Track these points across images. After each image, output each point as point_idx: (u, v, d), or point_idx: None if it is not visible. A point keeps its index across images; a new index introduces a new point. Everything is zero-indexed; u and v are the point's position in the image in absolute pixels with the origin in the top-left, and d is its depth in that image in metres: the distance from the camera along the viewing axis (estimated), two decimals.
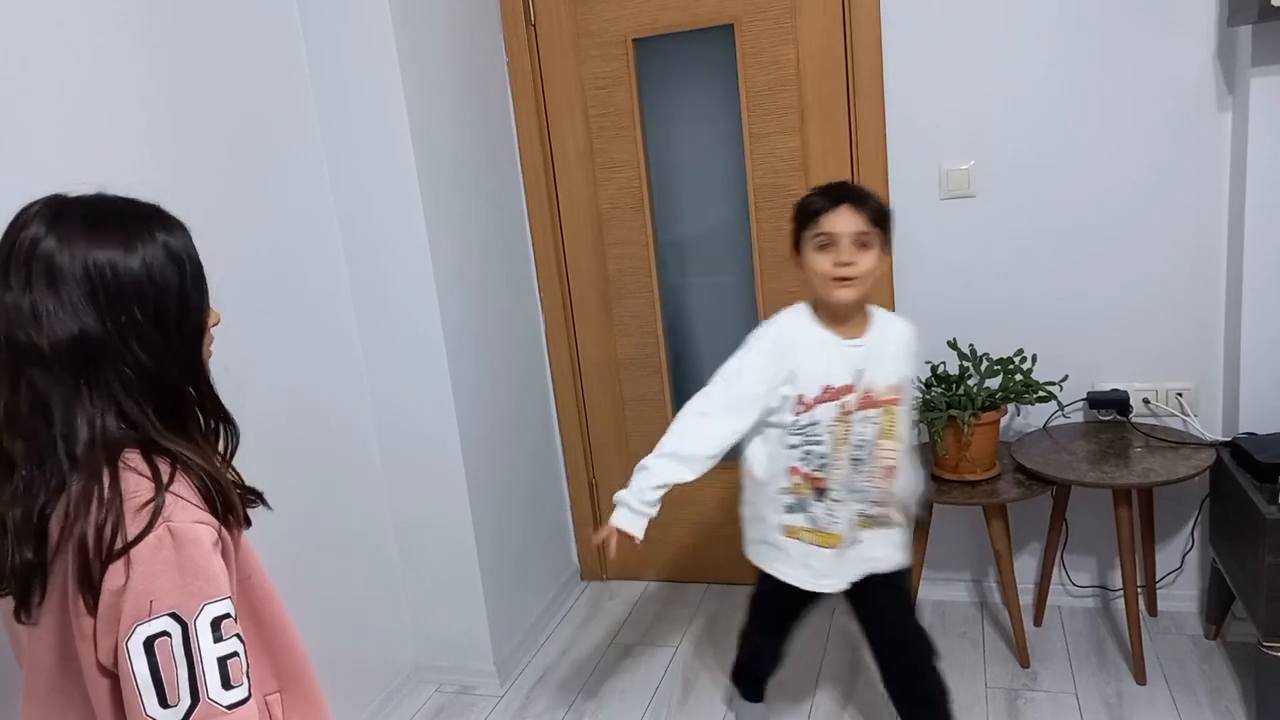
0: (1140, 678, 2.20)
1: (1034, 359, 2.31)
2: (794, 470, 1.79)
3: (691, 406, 1.83)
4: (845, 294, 1.71)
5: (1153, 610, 2.47)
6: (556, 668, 2.55)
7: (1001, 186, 2.38)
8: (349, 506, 2.29)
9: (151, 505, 0.92)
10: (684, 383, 2.85)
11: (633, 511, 1.80)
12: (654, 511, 1.82)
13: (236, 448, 1.11)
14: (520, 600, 2.64)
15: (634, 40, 2.60)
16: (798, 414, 1.76)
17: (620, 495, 1.82)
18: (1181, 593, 2.47)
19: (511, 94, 2.69)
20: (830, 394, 1.74)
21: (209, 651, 0.91)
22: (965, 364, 2.32)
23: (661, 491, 1.81)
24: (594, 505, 2.98)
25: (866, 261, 1.70)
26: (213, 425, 1.07)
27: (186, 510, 0.94)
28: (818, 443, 1.76)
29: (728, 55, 2.55)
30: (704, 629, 2.66)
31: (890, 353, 1.79)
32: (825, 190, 1.75)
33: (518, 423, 2.68)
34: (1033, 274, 2.39)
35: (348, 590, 2.28)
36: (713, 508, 2.87)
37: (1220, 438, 2.25)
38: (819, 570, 1.84)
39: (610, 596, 2.92)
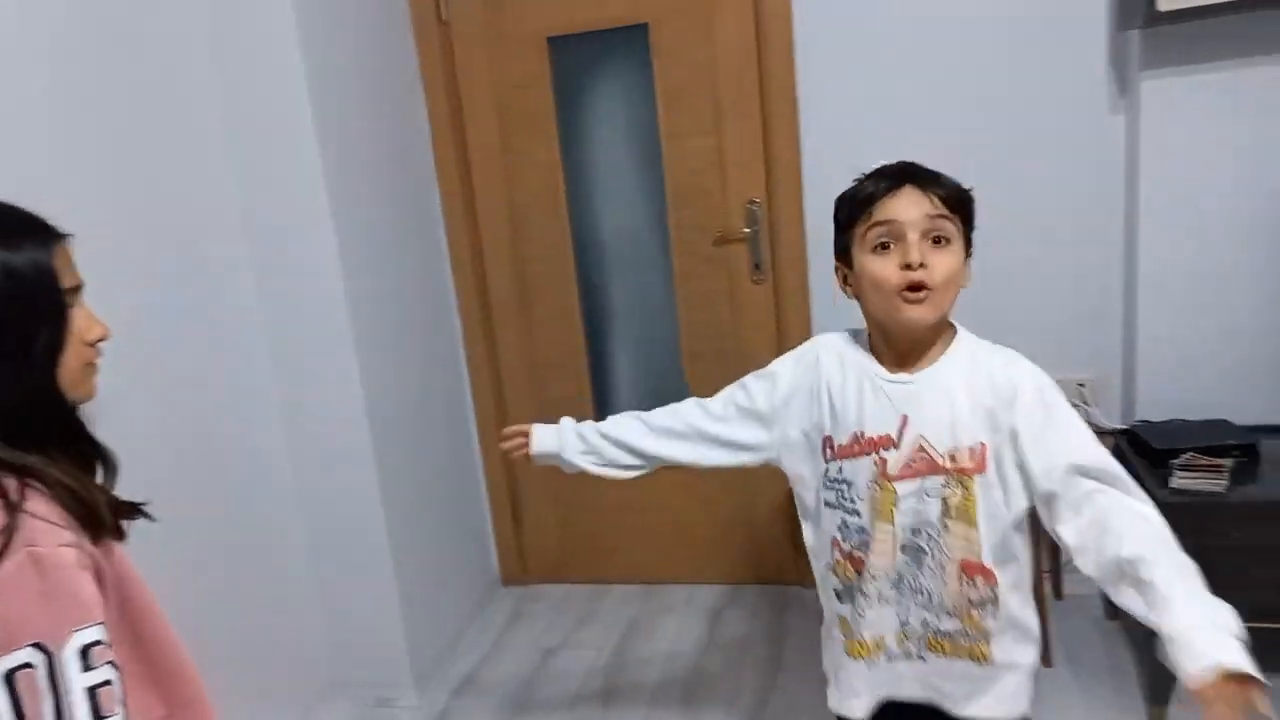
0: (1047, 660, 2.27)
1: None
2: (834, 543, 1.36)
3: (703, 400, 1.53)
4: (917, 313, 1.23)
5: (1058, 593, 2.56)
6: (477, 676, 2.50)
7: None
8: (256, 515, 2.21)
9: (2, 530, 0.86)
10: (605, 384, 2.84)
11: (559, 430, 1.57)
12: (574, 445, 1.56)
13: (113, 473, 1.05)
14: (439, 608, 2.59)
15: (549, 39, 2.59)
16: (828, 459, 1.34)
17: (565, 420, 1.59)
18: (1085, 576, 2.55)
19: (424, 92, 2.64)
20: (862, 445, 1.29)
21: (77, 681, 0.86)
22: None
23: (599, 437, 1.54)
24: (514, 510, 2.94)
25: (945, 263, 1.24)
26: (84, 449, 1.01)
27: (49, 533, 0.89)
28: (853, 510, 1.31)
29: (643, 55, 2.56)
30: (628, 631, 2.65)
31: (963, 399, 1.27)
32: (880, 170, 1.32)
33: (434, 427, 2.63)
34: None
35: (257, 603, 2.20)
36: (637, 508, 2.86)
37: (1119, 425, 2.34)
38: (844, 686, 1.43)
39: (533, 601, 2.89)
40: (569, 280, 2.74)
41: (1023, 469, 1.26)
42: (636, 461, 1.54)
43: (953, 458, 1.26)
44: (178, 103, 2.02)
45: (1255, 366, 2.25)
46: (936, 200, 1.26)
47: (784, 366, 1.42)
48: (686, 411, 1.51)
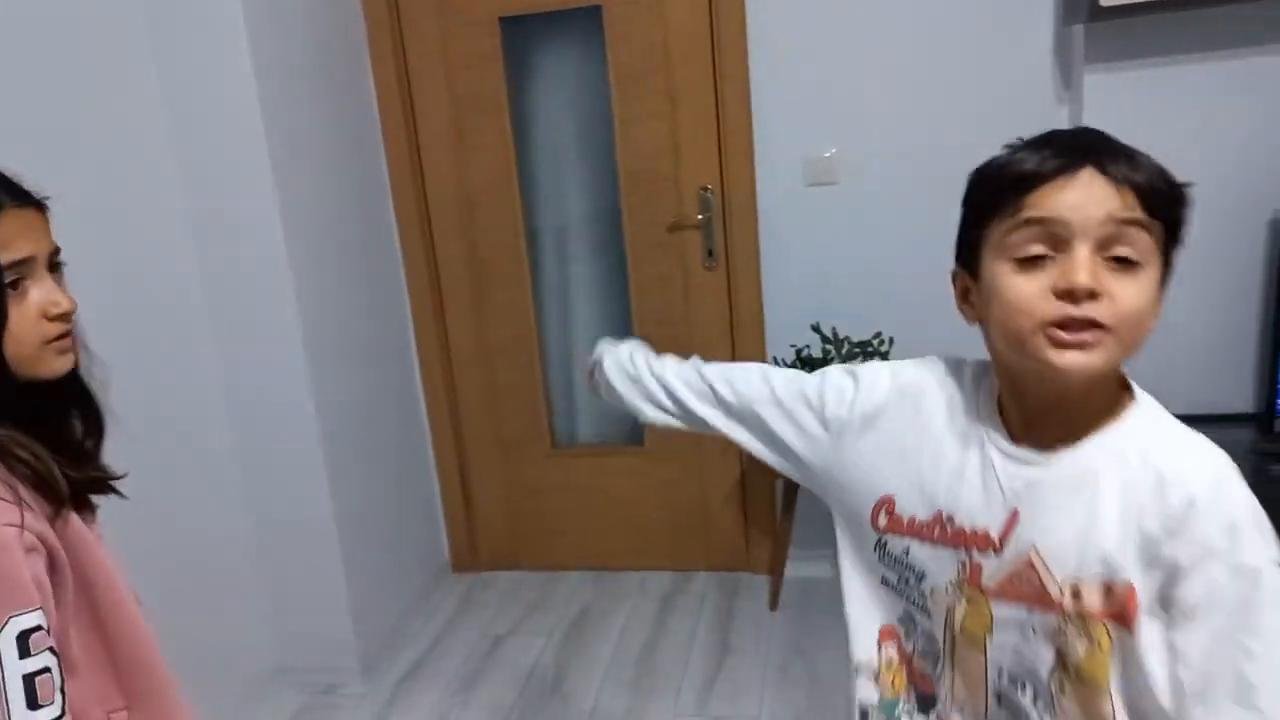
0: None
1: (891, 341, 2.40)
2: (887, 633, 1.00)
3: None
4: (1073, 362, 0.80)
5: None
6: (425, 662, 2.49)
7: (862, 175, 2.45)
8: (199, 500, 2.17)
9: None
10: (557, 370, 2.83)
11: (614, 358, 1.29)
12: (619, 360, 1.27)
13: (93, 444, 1.02)
14: (387, 595, 2.56)
15: (501, 19, 2.55)
16: (883, 527, 0.97)
17: (617, 348, 1.31)
18: None
19: (372, 72, 2.60)
20: (947, 533, 0.91)
21: (13, 668, 0.83)
22: (827, 346, 2.39)
23: (633, 364, 1.25)
24: (465, 496, 2.92)
25: (1129, 294, 0.81)
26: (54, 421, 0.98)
27: None
28: (922, 606, 0.95)
29: (596, 38, 2.54)
30: (579, 617, 2.65)
31: (1111, 508, 0.83)
32: (1048, 139, 0.88)
33: (383, 412, 2.60)
34: (891, 258, 2.48)
35: (200, 588, 2.16)
36: (589, 495, 2.86)
37: None
38: None
39: (483, 587, 2.87)
40: (521, 264, 2.72)
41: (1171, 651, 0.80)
42: (672, 408, 1.20)
43: (1075, 592, 0.83)
44: (122, 90, 1.96)
45: (1191, 358, 2.30)
46: (1130, 196, 0.80)
47: (877, 379, 1.02)
48: (745, 379, 1.13)
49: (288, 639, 2.40)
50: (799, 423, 1.06)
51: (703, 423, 1.17)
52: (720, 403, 1.15)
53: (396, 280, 2.72)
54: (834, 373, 1.07)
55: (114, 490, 1.04)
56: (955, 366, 0.99)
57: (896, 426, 0.98)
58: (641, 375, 1.24)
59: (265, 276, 2.16)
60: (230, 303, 2.19)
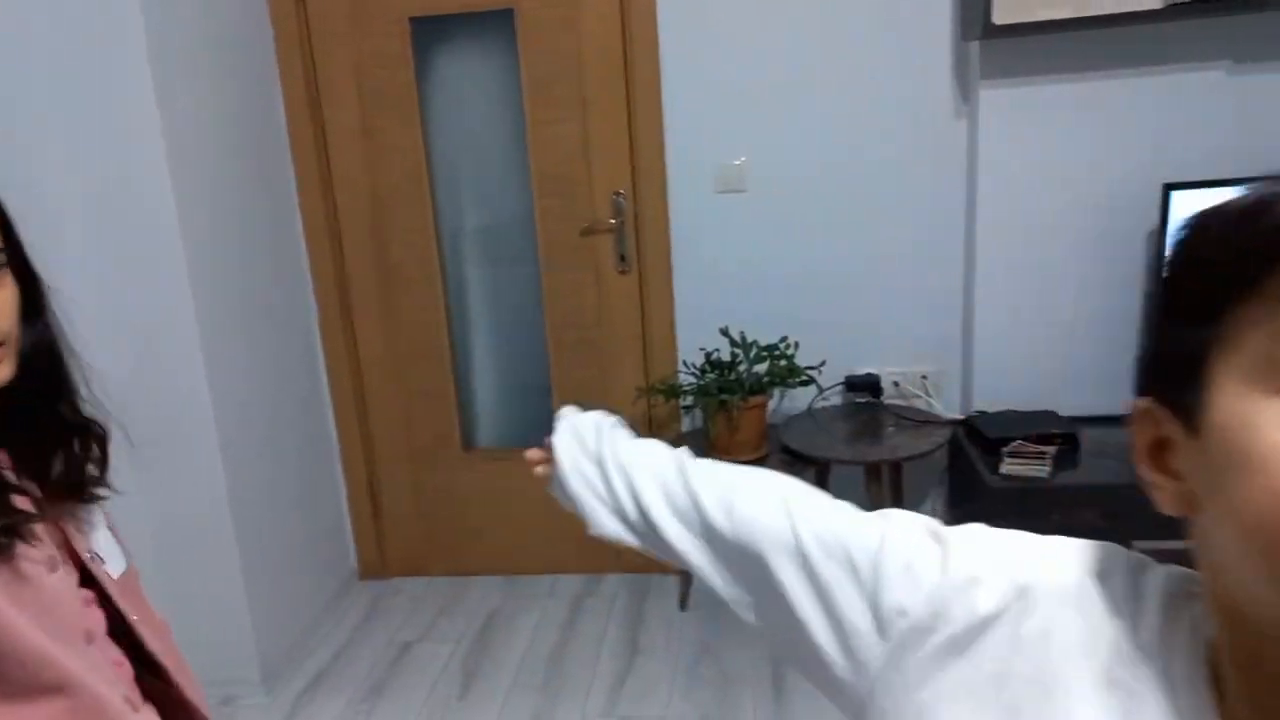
0: None
1: (796, 345, 2.45)
2: None
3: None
4: None
5: None
6: (329, 672, 2.44)
7: (769, 183, 2.50)
8: None
9: None
10: (470, 376, 2.81)
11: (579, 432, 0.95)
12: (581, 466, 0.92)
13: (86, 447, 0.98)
14: (290, 603, 2.50)
15: (411, 19, 2.53)
16: None
17: (579, 419, 0.99)
18: None
19: (279, 69, 2.54)
20: None
21: None
22: (736, 350, 2.43)
23: (595, 440, 0.92)
24: (373, 502, 2.87)
25: None
26: None
27: None
28: None
29: (508, 41, 2.53)
30: (488, 622, 2.63)
31: None
32: None
33: (287, 417, 2.54)
34: (797, 264, 2.53)
35: None
36: (499, 499, 2.84)
37: (957, 416, 2.48)
38: None
39: (392, 594, 2.82)
40: (432, 267, 2.69)
41: None
42: (637, 522, 0.85)
43: None
44: (10, 82, 1.88)
45: (1080, 362, 2.42)
46: None
47: (984, 567, 0.61)
48: (754, 503, 0.74)
49: (185, 650, 2.32)
50: (831, 600, 0.64)
51: (678, 557, 0.79)
52: (708, 534, 0.77)
53: (302, 281, 2.66)
54: (906, 525, 0.66)
55: (17, 535, 0.95)
56: (1129, 572, 0.56)
57: (1008, 665, 0.54)
58: (604, 461, 0.89)
59: (161, 278, 2.10)
60: (123, 304, 2.12)
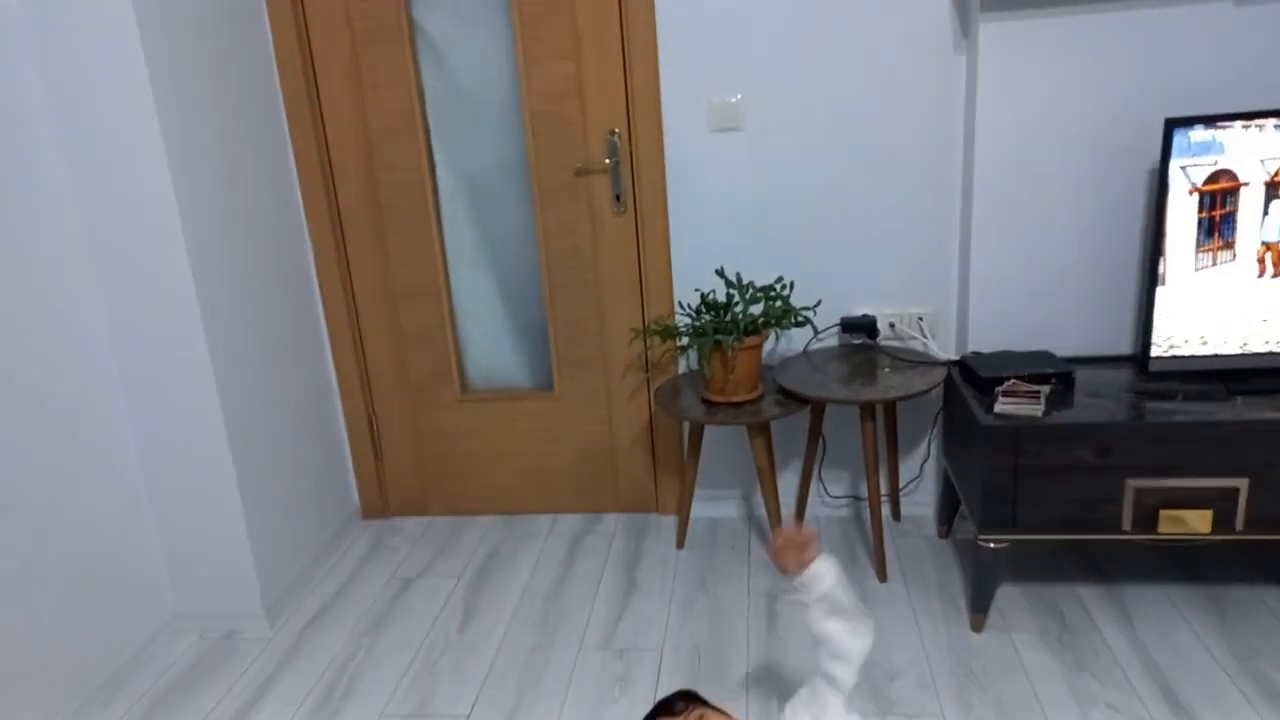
0: (881, 575, 2.42)
1: (792, 285, 2.44)
2: None
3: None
4: None
5: (896, 515, 2.72)
6: (332, 607, 2.48)
7: (766, 121, 2.47)
8: (84, 440, 2.11)
9: None
10: (465, 314, 2.81)
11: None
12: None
13: None
14: (292, 540, 2.54)
15: None
16: None
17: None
18: (921, 499, 2.73)
19: (267, 6, 2.50)
20: None
21: None
22: (731, 291, 2.42)
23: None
24: (374, 441, 2.90)
25: None
26: None
27: None
28: None
29: None
30: (488, 559, 2.67)
31: None
32: None
33: (285, 356, 2.55)
34: (793, 205, 2.51)
35: (89, 533, 2.11)
36: (498, 440, 2.86)
37: (952, 356, 2.48)
38: None
39: (392, 533, 2.87)
40: (427, 206, 2.68)
41: None
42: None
43: None
44: None
45: (1076, 303, 2.41)
46: None
47: None
48: None
49: (187, 586, 2.37)
50: None
51: None
52: None
53: (296, 219, 2.65)
54: None
55: None
56: None
57: None
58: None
59: (152, 211, 2.08)
60: (117, 246, 2.11)
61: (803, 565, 1.66)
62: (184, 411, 2.22)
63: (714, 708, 1.65)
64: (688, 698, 1.72)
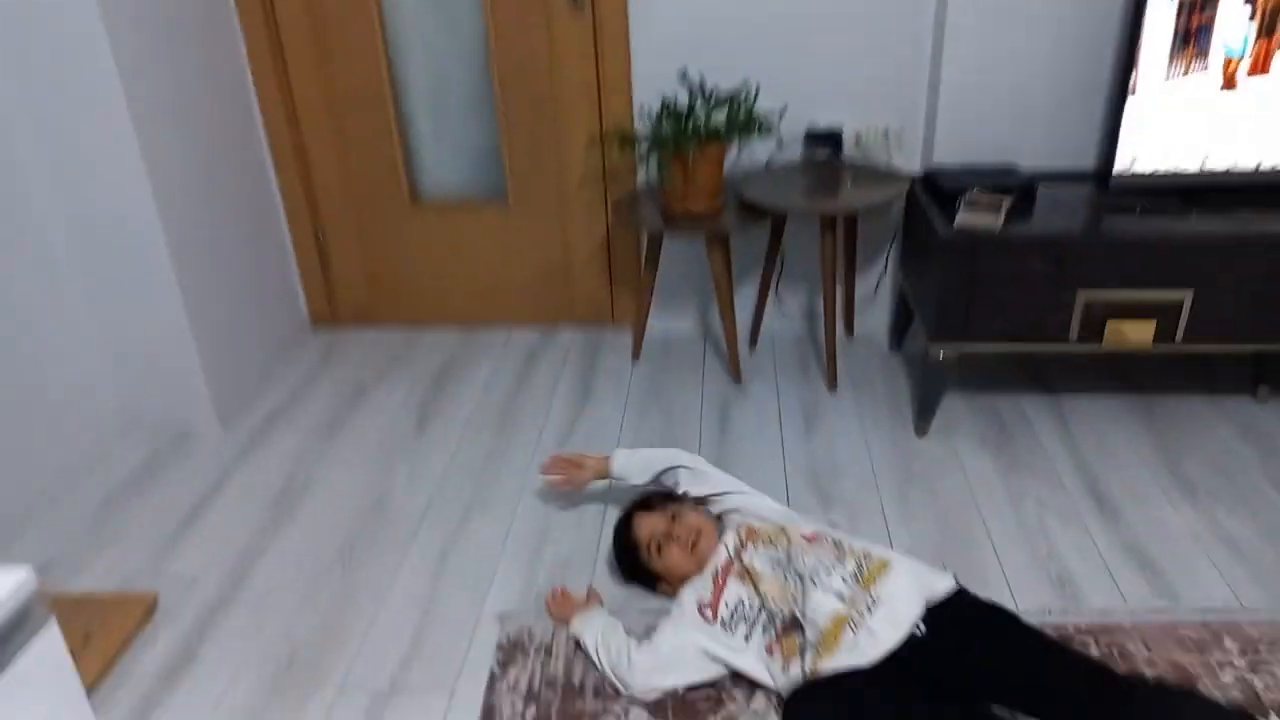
0: (832, 386, 2.47)
1: (758, 90, 2.36)
2: None
3: None
4: None
5: (850, 331, 2.75)
6: (285, 412, 2.48)
7: None
8: (23, 263, 2.01)
9: None
10: (414, 123, 2.67)
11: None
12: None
13: None
14: (241, 346, 2.50)
15: None
16: None
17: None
18: (876, 315, 2.75)
19: None
20: None
21: None
22: (694, 96, 2.33)
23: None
24: (320, 251, 2.82)
25: None
26: None
27: None
28: None
29: None
30: (442, 369, 2.66)
31: None
32: None
33: (223, 167, 2.42)
34: (760, 8, 2.39)
35: (30, 342, 2.05)
36: (451, 250, 2.80)
37: (916, 171, 2.44)
38: None
39: (345, 343, 2.83)
40: (367, 5, 2.49)
41: None
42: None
43: None
44: None
45: (1043, 117, 2.36)
46: None
47: None
48: None
49: (135, 392, 2.33)
50: None
51: None
52: None
53: (230, 25, 2.46)
54: None
55: None
56: None
57: None
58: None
59: (75, 26, 1.92)
60: (39, 43, 1.95)
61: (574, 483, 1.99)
62: (121, 231, 2.13)
63: (688, 507, 1.73)
64: (666, 498, 1.78)
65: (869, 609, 1.43)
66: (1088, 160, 2.39)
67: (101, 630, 1.68)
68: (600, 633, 1.61)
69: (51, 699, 1.08)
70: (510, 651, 1.63)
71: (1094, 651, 1.57)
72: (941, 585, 1.49)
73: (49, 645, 1.06)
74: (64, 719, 1.10)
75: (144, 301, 2.22)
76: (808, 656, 1.43)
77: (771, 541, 1.60)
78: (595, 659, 1.58)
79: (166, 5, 2.16)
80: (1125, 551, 1.85)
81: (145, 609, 1.76)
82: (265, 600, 1.81)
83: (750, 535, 1.62)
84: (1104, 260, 2.03)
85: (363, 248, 2.82)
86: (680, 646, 1.53)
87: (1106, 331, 2.08)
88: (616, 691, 1.54)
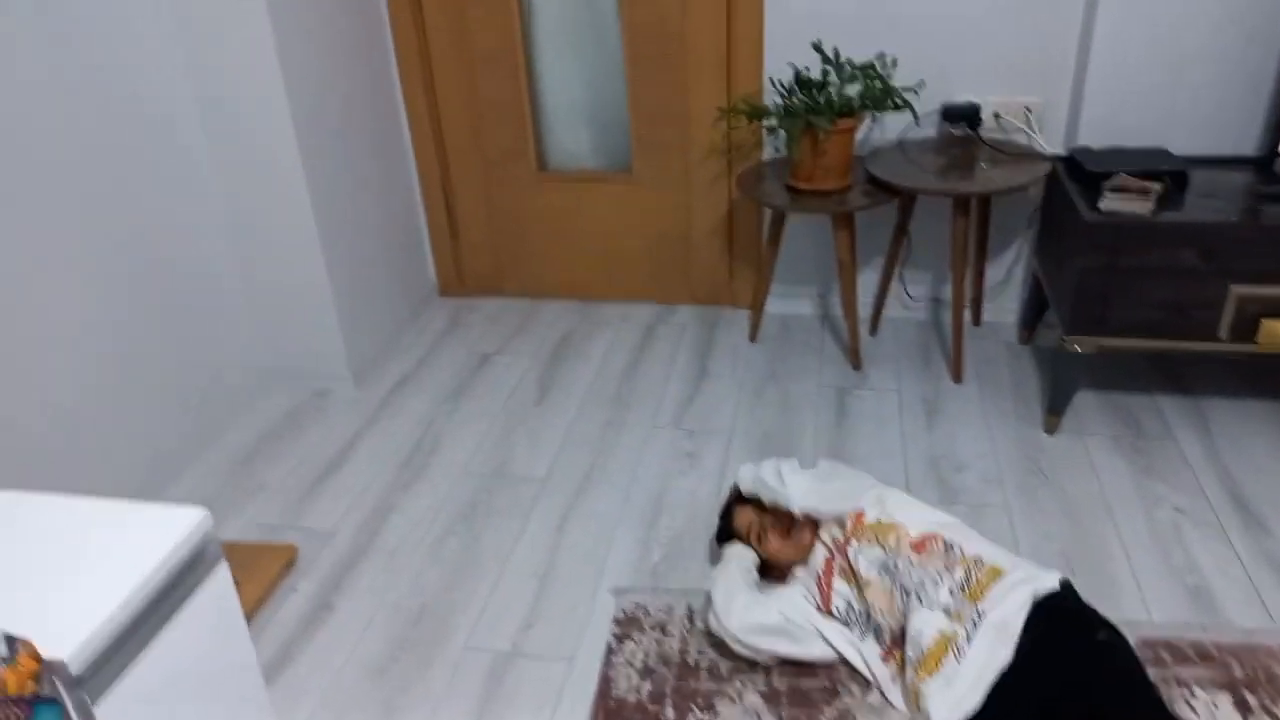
0: (957, 376, 2.40)
1: (895, 63, 2.29)
2: None
3: None
4: None
5: (977, 320, 2.67)
6: (414, 375, 2.58)
7: None
8: (178, 214, 2.14)
9: None
10: (544, 89, 2.71)
11: None
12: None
13: None
14: (375, 311, 2.61)
15: None
16: None
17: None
18: (1005, 305, 2.66)
19: None
20: None
21: None
22: (827, 68, 2.28)
23: None
24: (450, 223, 2.90)
25: None
26: None
27: None
28: None
29: None
30: (562, 341, 2.72)
31: None
32: None
33: (363, 131, 2.51)
34: None
35: (189, 302, 2.19)
36: (573, 225, 2.84)
37: (1059, 151, 2.33)
38: None
39: (469, 311, 2.92)
40: None
41: None
42: None
43: None
44: None
45: (1198, 100, 2.22)
46: None
47: None
48: None
49: (279, 348, 2.47)
50: None
51: None
52: None
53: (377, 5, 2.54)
54: None
55: None
56: None
57: None
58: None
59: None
60: (203, 20, 2.06)
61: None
62: (271, 183, 2.23)
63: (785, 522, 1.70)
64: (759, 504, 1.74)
65: (974, 624, 1.39)
66: (1248, 145, 2.24)
67: (247, 577, 1.80)
68: (734, 560, 1.66)
69: (222, 634, 1.17)
70: (626, 626, 1.67)
71: (1237, 674, 1.50)
72: (1047, 582, 1.43)
73: (220, 582, 1.15)
74: (231, 653, 1.19)
75: (289, 258, 2.34)
76: (908, 673, 1.43)
77: (878, 540, 1.56)
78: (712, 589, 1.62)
79: None
80: (1272, 567, 1.75)
81: (286, 560, 1.87)
82: (395, 558, 1.90)
83: (857, 527, 1.60)
84: (1262, 253, 1.90)
85: (489, 216, 2.89)
86: (792, 617, 1.54)
87: (1261, 331, 1.96)
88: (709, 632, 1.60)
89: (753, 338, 2.66)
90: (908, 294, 2.70)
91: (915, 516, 1.59)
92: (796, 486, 1.67)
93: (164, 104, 2.08)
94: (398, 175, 2.74)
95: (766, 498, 1.71)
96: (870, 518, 1.60)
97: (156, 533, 1.08)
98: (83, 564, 1.03)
